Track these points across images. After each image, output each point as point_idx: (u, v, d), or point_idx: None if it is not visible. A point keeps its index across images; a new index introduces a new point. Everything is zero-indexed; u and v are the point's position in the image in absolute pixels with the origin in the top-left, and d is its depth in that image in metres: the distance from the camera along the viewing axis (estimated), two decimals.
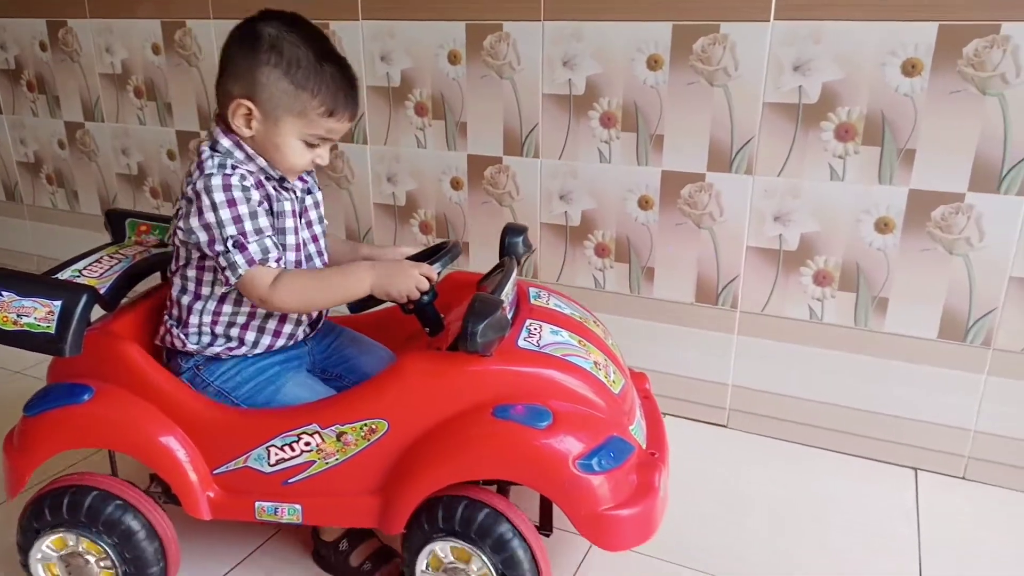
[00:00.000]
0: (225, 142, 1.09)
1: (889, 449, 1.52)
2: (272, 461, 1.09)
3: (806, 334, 1.53)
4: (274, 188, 1.11)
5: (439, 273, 1.11)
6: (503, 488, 1.12)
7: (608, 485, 0.99)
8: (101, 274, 1.19)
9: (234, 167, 1.07)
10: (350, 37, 1.78)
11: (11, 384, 1.85)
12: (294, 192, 1.14)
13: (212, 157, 1.08)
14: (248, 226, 1.04)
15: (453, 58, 1.70)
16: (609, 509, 0.99)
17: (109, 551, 1.10)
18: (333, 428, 1.06)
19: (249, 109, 1.06)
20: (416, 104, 1.77)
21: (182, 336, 1.14)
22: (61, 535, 1.11)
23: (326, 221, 1.26)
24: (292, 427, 1.07)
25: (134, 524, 1.10)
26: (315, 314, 1.22)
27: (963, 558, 1.28)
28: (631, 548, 1.04)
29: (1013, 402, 1.40)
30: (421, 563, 1.08)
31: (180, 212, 1.08)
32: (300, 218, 1.16)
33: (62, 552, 1.12)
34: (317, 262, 1.19)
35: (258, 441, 1.09)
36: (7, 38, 2.31)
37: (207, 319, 1.13)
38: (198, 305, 1.13)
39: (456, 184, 1.79)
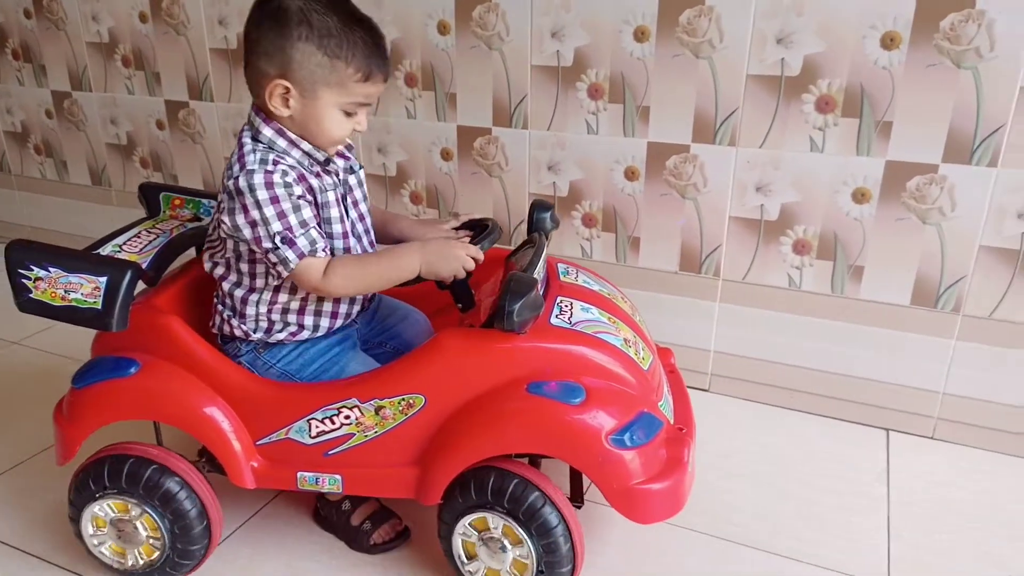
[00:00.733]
0: (267, 132, 1.09)
1: (862, 411, 1.59)
2: (313, 433, 1.12)
3: (785, 301, 1.58)
4: (317, 175, 1.11)
5: (483, 254, 1.14)
6: (534, 461, 1.15)
7: (639, 460, 1.02)
8: (141, 249, 1.21)
9: (276, 161, 1.07)
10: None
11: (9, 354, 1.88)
12: (337, 175, 1.15)
13: (255, 151, 1.07)
14: (293, 220, 1.05)
15: (443, 28, 1.71)
16: (640, 483, 1.02)
17: (160, 523, 1.13)
18: (372, 402, 1.09)
19: (287, 88, 1.06)
20: (406, 75, 1.79)
21: (242, 326, 1.16)
22: (123, 501, 1.14)
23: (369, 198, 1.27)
24: (333, 401, 1.10)
25: (173, 487, 1.13)
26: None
27: (930, 513, 1.35)
28: (661, 520, 1.08)
29: (980, 366, 1.46)
30: (458, 534, 1.11)
31: (223, 205, 1.08)
32: (345, 201, 1.16)
33: (114, 516, 1.15)
34: (365, 241, 1.19)
35: (299, 414, 1.12)
36: None
37: (263, 309, 1.15)
38: (254, 296, 1.14)
39: (446, 155, 1.82)
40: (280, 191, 1.04)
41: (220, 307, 1.19)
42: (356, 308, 1.22)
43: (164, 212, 1.36)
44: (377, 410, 1.09)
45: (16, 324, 1.97)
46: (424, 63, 1.76)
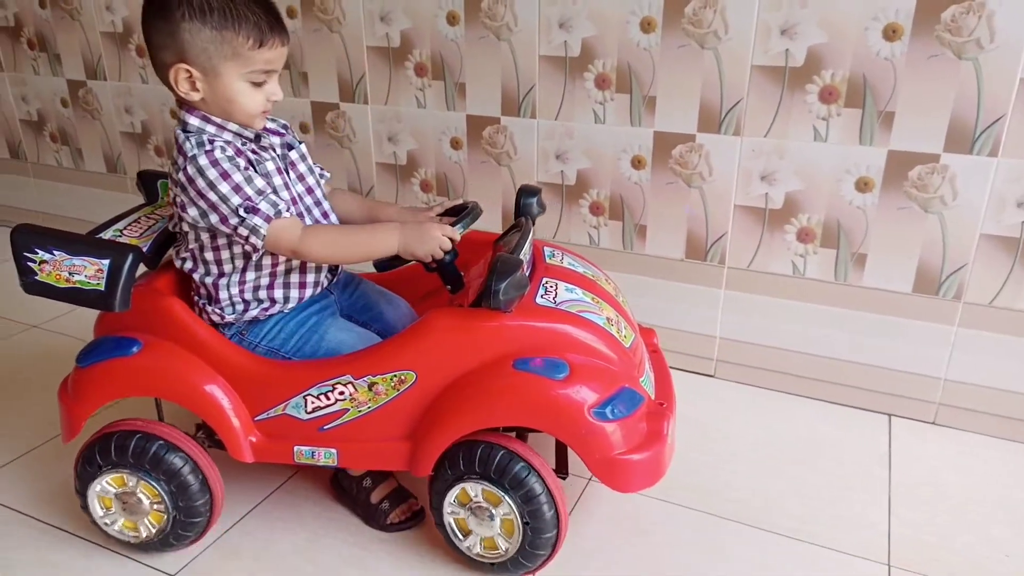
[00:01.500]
0: (193, 121, 1.12)
1: (865, 396, 1.62)
2: (309, 409, 1.16)
3: (789, 288, 1.61)
4: (252, 151, 1.14)
5: (460, 234, 1.18)
6: (521, 434, 1.20)
7: (620, 432, 1.07)
8: (141, 234, 1.25)
9: (211, 141, 1.10)
10: None
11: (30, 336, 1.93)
12: (273, 149, 1.18)
13: (188, 139, 1.10)
14: (250, 190, 1.08)
15: (452, 19, 1.74)
16: (621, 454, 1.07)
17: (157, 487, 1.18)
18: (365, 379, 1.13)
19: (188, 71, 1.08)
20: (416, 64, 1.81)
21: (218, 311, 1.20)
22: (120, 474, 1.19)
23: (328, 173, 1.31)
24: (327, 377, 1.14)
25: (191, 477, 1.18)
26: None
27: (930, 497, 1.38)
28: (641, 490, 1.13)
29: (981, 352, 1.49)
30: (448, 502, 1.16)
31: (178, 200, 1.12)
32: (288, 173, 1.20)
33: (119, 490, 1.20)
34: (316, 212, 1.23)
35: (295, 390, 1.16)
36: None
37: (235, 290, 1.19)
38: (223, 281, 1.18)
39: (455, 144, 1.84)
40: (227, 165, 1.08)
41: (196, 298, 1.24)
42: (324, 277, 1.25)
43: (162, 199, 1.39)
44: (370, 386, 1.14)
45: (36, 308, 2.02)
46: (434, 53, 1.78)
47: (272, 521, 1.32)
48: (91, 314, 1.24)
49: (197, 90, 1.10)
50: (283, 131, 1.23)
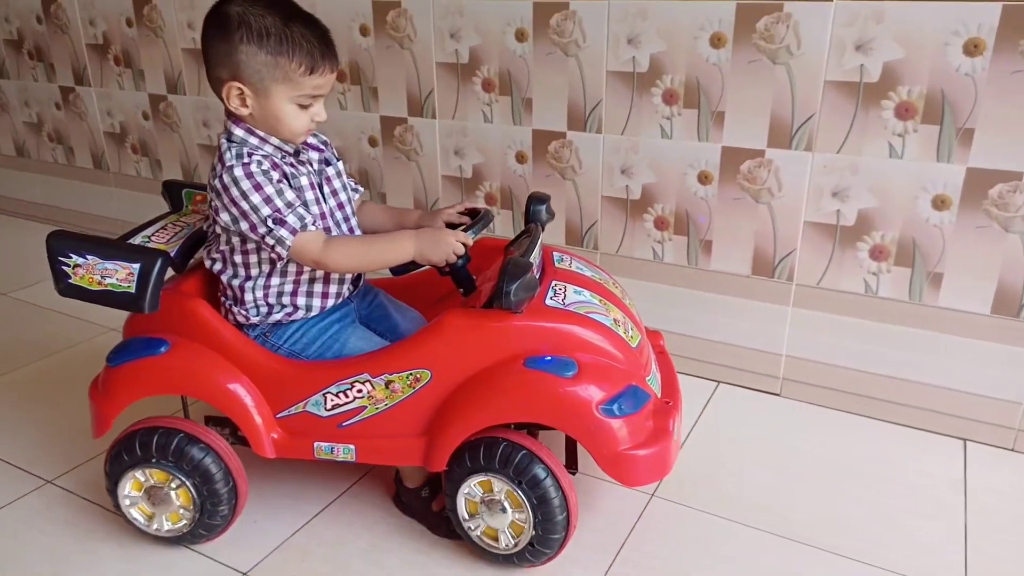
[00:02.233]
0: (238, 131, 1.17)
1: (939, 420, 1.57)
2: (328, 406, 1.21)
3: (861, 307, 1.58)
4: (290, 164, 1.19)
5: (473, 240, 1.22)
6: (532, 431, 1.23)
7: (627, 428, 1.11)
8: (168, 239, 1.31)
9: (250, 154, 1.15)
10: (421, 15, 1.86)
11: (102, 338, 2.02)
12: (310, 164, 1.24)
13: (230, 148, 1.16)
14: (279, 202, 1.13)
15: (520, 36, 1.76)
16: (628, 449, 1.11)
17: (195, 497, 1.23)
18: (382, 377, 1.17)
19: (240, 89, 1.14)
20: (483, 80, 1.85)
21: (243, 312, 1.25)
22: (160, 470, 1.24)
23: (362, 189, 1.37)
24: (346, 376, 1.19)
25: (214, 467, 1.23)
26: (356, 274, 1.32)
27: (1009, 527, 1.33)
28: (647, 484, 1.16)
29: None
30: (462, 496, 1.20)
31: (213, 204, 1.17)
32: (321, 189, 1.25)
33: (152, 483, 1.25)
34: (344, 227, 1.28)
35: (315, 389, 1.21)
36: (95, 14, 2.45)
37: (259, 294, 1.24)
38: (249, 284, 1.24)
39: (521, 158, 1.87)
40: (260, 178, 1.13)
41: (223, 299, 1.29)
42: (346, 288, 1.29)
43: (186, 207, 1.45)
44: (387, 384, 1.17)
45: (113, 311, 2.10)
46: (502, 69, 1.81)
47: (340, 524, 1.35)
48: None
49: (247, 106, 1.15)
50: (323, 147, 1.28)
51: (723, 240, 1.68)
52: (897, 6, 1.38)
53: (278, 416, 1.24)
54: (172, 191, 1.47)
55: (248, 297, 1.24)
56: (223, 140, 1.18)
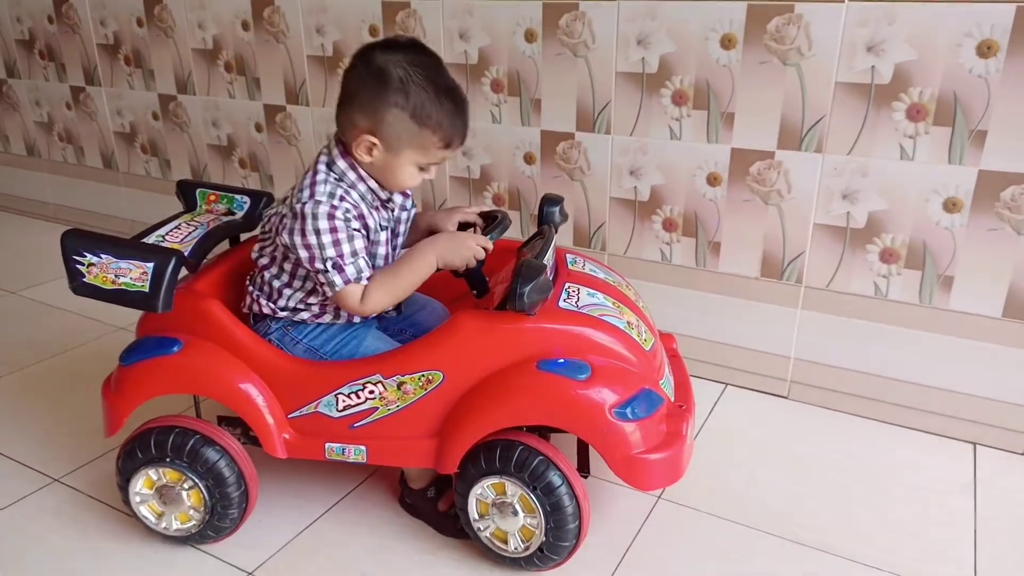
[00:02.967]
0: (341, 164, 1.18)
1: (948, 424, 1.56)
2: (340, 407, 1.21)
3: (870, 310, 1.57)
4: (376, 209, 1.20)
5: (492, 244, 1.22)
6: (544, 433, 1.22)
7: (640, 432, 1.11)
8: (182, 239, 1.31)
9: (342, 197, 1.16)
10: (430, 15, 1.86)
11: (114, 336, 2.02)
12: (393, 211, 1.26)
13: (326, 181, 1.17)
14: (346, 249, 1.14)
15: (529, 36, 1.76)
16: (641, 453, 1.10)
17: (207, 499, 1.23)
18: (394, 378, 1.17)
19: (373, 143, 1.15)
20: (492, 81, 1.84)
21: (271, 306, 1.26)
22: (161, 468, 1.24)
23: (418, 207, 1.38)
24: (358, 377, 1.19)
25: (227, 470, 1.22)
26: None
27: (1019, 532, 1.32)
28: (660, 488, 1.15)
29: None
30: (473, 499, 1.19)
31: (285, 221, 1.17)
32: (393, 231, 1.27)
33: (164, 482, 1.25)
34: (392, 257, 1.30)
35: (327, 389, 1.21)
36: (106, 14, 2.46)
37: (296, 298, 1.25)
38: (288, 291, 1.25)
39: (529, 159, 1.86)
40: (339, 223, 1.14)
41: (252, 288, 1.29)
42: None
43: (200, 206, 1.46)
44: (399, 385, 1.17)
45: (123, 310, 2.11)
46: (511, 70, 1.81)
47: (345, 525, 1.35)
48: None
49: (371, 157, 1.17)
50: (408, 192, 1.29)
51: (732, 242, 1.67)
52: (909, 7, 1.37)
53: (290, 416, 1.24)
54: (186, 190, 1.47)
55: (283, 296, 1.25)
56: (322, 166, 1.18)
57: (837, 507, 1.38)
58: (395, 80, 1.12)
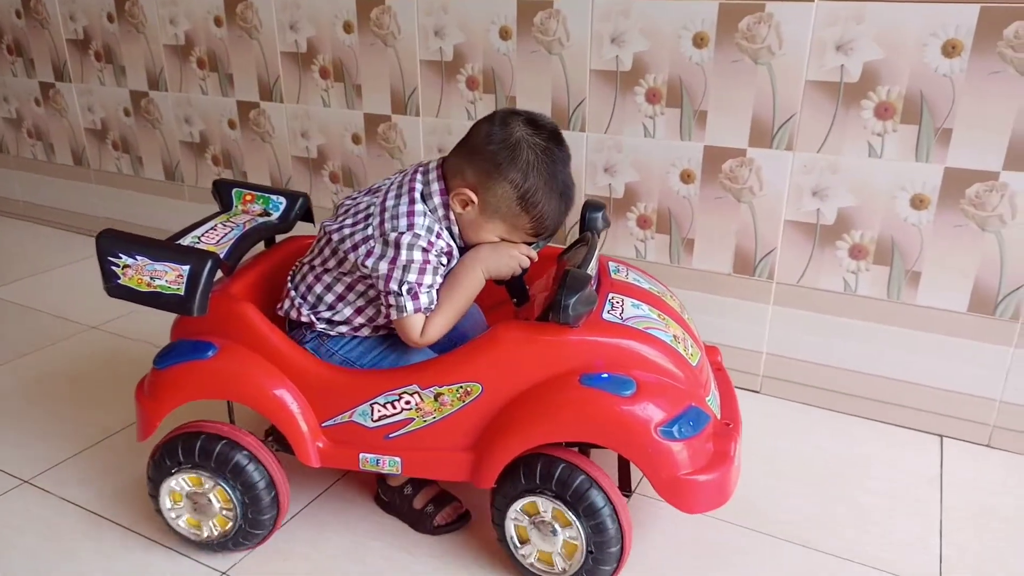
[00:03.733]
0: (437, 200, 1.16)
1: (916, 417, 1.59)
2: (375, 417, 1.18)
3: (840, 305, 1.60)
4: (447, 256, 1.17)
5: (536, 255, 1.21)
6: (584, 449, 1.19)
7: (687, 452, 1.06)
8: (218, 241, 1.28)
9: (439, 235, 1.14)
10: (405, 11, 1.86)
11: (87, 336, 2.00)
12: (453, 258, 1.21)
13: (425, 214, 1.14)
14: (427, 279, 1.13)
15: (504, 34, 1.76)
16: (688, 474, 1.06)
17: (231, 495, 1.21)
18: (431, 389, 1.14)
19: (471, 202, 1.14)
20: (467, 78, 1.84)
21: (312, 315, 1.24)
22: (192, 474, 1.21)
23: None
24: (394, 387, 1.16)
25: (255, 474, 1.20)
26: None
27: (984, 522, 1.35)
28: (707, 511, 1.12)
29: None
30: (512, 516, 1.16)
31: (373, 247, 1.13)
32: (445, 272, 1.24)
33: (189, 489, 1.23)
34: None
35: (363, 398, 1.18)
36: (76, 9, 2.42)
37: (346, 312, 1.22)
38: (339, 305, 1.22)
39: None
40: (432, 261, 1.13)
41: (294, 293, 1.26)
42: None
43: (236, 207, 1.43)
44: (436, 397, 1.14)
45: (96, 310, 2.09)
46: (486, 67, 1.81)
47: (320, 523, 1.35)
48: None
49: (463, 210, 1.16)
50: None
51: (705, 239, 1.69)
52: (877, 7, 1.39)
53: (324, 425, 1.21)
54: (221, 190, 1.44)
55: (330, 311, 1.22)
56: (419, 195, 1.16)
57: (806, 499, 1.40)
58: (522, 160, 1.11)
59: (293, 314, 1.26)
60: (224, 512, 1.23)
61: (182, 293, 1.14)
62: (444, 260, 1.16)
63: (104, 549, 1.30)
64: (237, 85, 2.21)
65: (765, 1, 1.48)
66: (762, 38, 1.50)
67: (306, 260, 1.27)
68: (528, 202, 1.13)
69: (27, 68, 2.64)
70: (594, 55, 1.68)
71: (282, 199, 1.42)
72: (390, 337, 1.25)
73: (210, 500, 1.22)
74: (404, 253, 1.12)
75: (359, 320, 1.23)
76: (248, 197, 1.43)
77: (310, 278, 1.24)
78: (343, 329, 1.23)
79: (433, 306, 1.15)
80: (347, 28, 1.95)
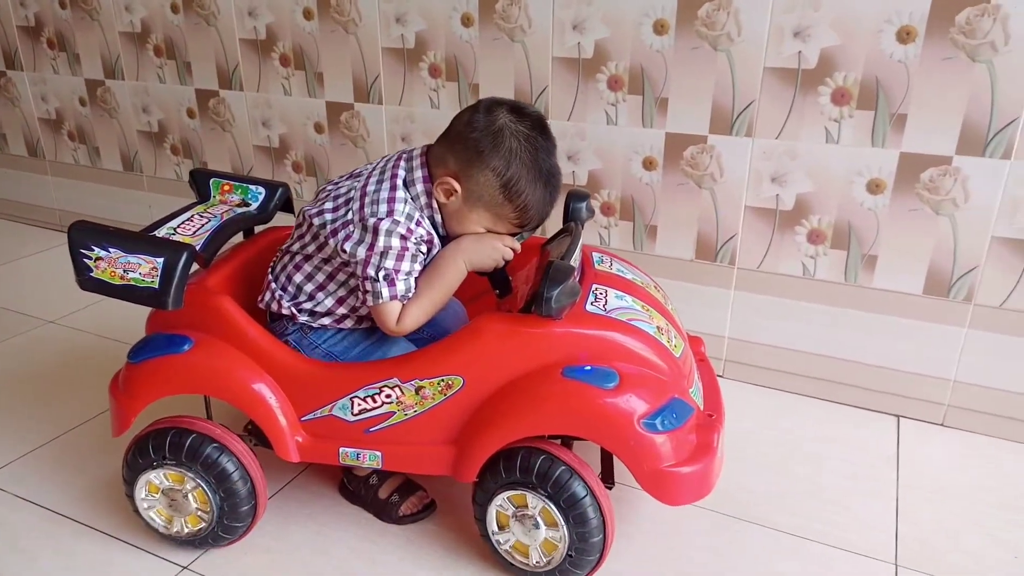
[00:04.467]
0: (419, 188, 1.14)
1: (874, 398, 1.62)
2: (355, 411, 1.16)
3: (799, 289, 1.62)
4: (427, 244, 1.15)
5: (520, 246, 1.19)
6: (567, 442, 1.18)
7: (670, 444, 1.06)
8: (194, 232, 1.26)
9: (419, 222, 1.13)
10: None
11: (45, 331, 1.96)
12: (434, 246, 1.20)
13: (406, 200, 1.12)
14: (404, 266, 1.12)
15: (466, 20, 1.75)
16: (671, 466, 1.06)
17: (212, 499, 1.19)
18: (412, 382, 1.13)
19: (454, 191, 1.12)
20: (430, 65, 1.83)
21: (293, 308, 1.21)
22: (166, 470, 1.19)
23: None
24: (374, 380, 1.14)
25: (229, 466, 1.18)
26: None
27: (938, 499, 1.38)
28: (690, 503, 1.12)
29: (991, 354, 1.49)
30: (493, 510, 1.15)
31: (352, 232, 1.12)
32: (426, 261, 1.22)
33: (167, 485, 1.20)
34: None
35: (342, 392, 1.16)
36: None
37: (328, 302, 1.20)
38: (321, 295, 1.20)
39: None
40: (410, 244, 1.11)
41: (274, 285, 1.24)
42: None
43: (214, 197, 1.40)
44: (417, 390, 1.13)
45: (52, 303, 2.04)
46: (448, 55, 1.80)
47: (284, 515, 1.34)
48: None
49: (446, 200, 1.14)
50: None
51: (668, 225, 1.70)
52: None
53: (303, 419, 1.19)
54: (199, 180, 1.41)
55: (306, 305, 1.20)
56: (400, 181, 1.14)
57: (766, 480, 1.42)
58: (504, 147, 1.10)
59: (274, 306, 1.24)
60: (200, 513, 1.21)
61: (156, 286, 1.11)
62: (424, 248, 1.14)
63: (63, 546, 1.27)
64: (195, 73, 2.17)
65: None
66: (721, 25, 1.51)
67: (286, 247, 1.25)
68: (511, 191, 1.11)
69: None
70: (556, 42, 1.67)
71: (261, 189, 1.40)
72: (376, 332, 1.22)
73: (188, 499, 1.20)
74: (382, 239, 1.10)
75: (341, 310, 1.21)
76: (226, 187, 1.40)
77: (290, 267, 1.23)
78: (326, 321, 1.22)
79: (410, 294, 1.13)
80: (307, 15, 1.93)
